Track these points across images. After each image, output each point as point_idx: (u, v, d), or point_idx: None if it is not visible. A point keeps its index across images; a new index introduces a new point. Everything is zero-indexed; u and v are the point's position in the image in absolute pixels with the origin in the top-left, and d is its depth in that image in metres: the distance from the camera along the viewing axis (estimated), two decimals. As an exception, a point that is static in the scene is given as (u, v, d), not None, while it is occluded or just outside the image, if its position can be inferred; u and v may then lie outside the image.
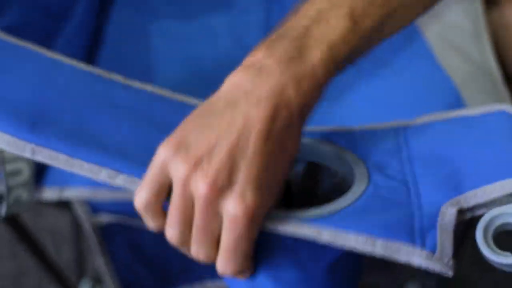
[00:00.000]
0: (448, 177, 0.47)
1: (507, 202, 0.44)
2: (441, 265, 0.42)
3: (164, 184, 0.42)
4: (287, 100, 0.43)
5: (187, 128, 0.42)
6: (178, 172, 0.41)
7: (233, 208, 0.40)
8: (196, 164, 0.40)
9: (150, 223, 0.44)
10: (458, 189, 0.45)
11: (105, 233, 0.75)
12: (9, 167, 0.63)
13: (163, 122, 0.51)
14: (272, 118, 0.42)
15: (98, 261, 0.77)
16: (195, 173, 0.40)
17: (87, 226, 0.72)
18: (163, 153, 0.41)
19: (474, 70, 0.71)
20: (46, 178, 0.68)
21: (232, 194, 0.40)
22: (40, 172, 0.68)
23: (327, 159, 0.53)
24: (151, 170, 0.42)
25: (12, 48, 0.55)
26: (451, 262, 0.42)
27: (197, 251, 0.44)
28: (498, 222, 0.43)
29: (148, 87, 0.56)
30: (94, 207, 0.72)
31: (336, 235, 0.42)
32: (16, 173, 0.64)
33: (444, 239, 0.43)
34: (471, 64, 0.71)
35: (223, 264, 0.43)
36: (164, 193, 0.43)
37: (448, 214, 0.44)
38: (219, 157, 0.40)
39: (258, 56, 0.44)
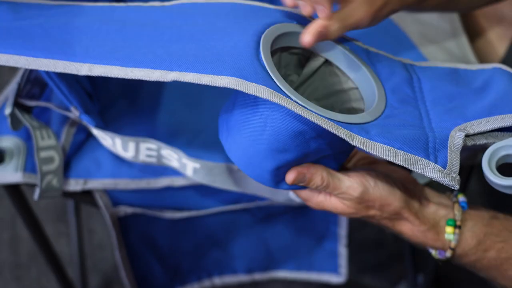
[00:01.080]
0: (454, 108, 0.54)
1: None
2: (449, 179, 0.49)
3: None
4: None
5: None
6: None
7: None
8: None
9: None
10: (464, 118, 0.53)
11: (122, 225, 0.81)
12: (43, 154, 0.70)
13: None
14: None
15: (116, 255, 0.83)
16: None
17: (107, 217, 0.77)
18: None
19: (454, 60, 0.79)
20: (71, 171, 0.75)
21: None
22: (66, 165, 0.74)
23: (350, 68, 0.59)
24: None
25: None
26: (458, 177, 0.50)
27: None
28: (501, 153, 0.51)
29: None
30: (114, 200, 0.78)
31: (366, 143, 0.50)
32: (48, 160, 0.70)
33: (453, 158, 0.50)
34: (451, 57, 0.80)
35: None
36: None
37: (457, 137, 0.51)
38: None
39: None
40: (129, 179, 0.75)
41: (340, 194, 0.55)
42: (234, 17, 0.56)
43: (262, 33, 0.54)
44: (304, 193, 0.57)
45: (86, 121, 0.67)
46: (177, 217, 0.80)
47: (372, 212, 0.56)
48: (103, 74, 0.52)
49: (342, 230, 0.87)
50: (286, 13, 0.58)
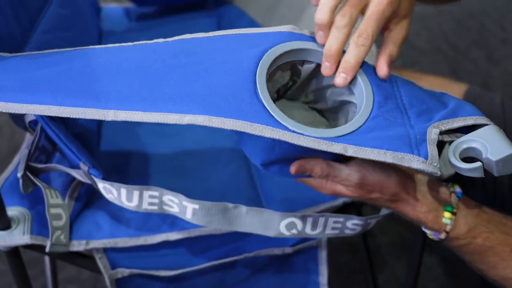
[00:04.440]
0: (426, 111, 0.64)
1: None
2: (432, 167, 0.60)
3: None
4: None
5: None
6: None
7: None
8: None
9: None
10: (434, 120, 0.64)
11: (119, 287, 0.86)
12: (52, 211, 0.77)
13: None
14: None
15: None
16: None
17: (106, 279, 0.83)
18: None
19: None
20: (73, 234, 0.81)
21: None
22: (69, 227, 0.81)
23: None
24: None
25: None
26: (438, 165, 0.60)
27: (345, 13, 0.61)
28: (463, 146, 0.62)
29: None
30: (112, 263, 0.84)
31: (358, 150, 0.59)
32: (57, 216, 0.77)
33: (432, 150, 0.61)
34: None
35: (365, 27, 0.61)
36: None
37: (433, 133, 0.62)
38: None
39: None
40: (128, 237, 0.82)
41: (342, 181, 0.64)
42: (231, 49, 0.65)
43: (258, 63, 0.62)
44: (316, 182, 0.66)
45: (94, 174, 0.75)
46: (172, 275, 0.85)
47: (374, 195, 0.65)
48: (127, 119, 0.60)
49: (323, 279, 0.94)
50: (280, 34, 0.66)
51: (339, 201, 0.87)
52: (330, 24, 0.62)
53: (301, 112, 0.73)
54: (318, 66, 0.67)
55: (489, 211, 0.68)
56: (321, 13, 0.62)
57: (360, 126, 0.62)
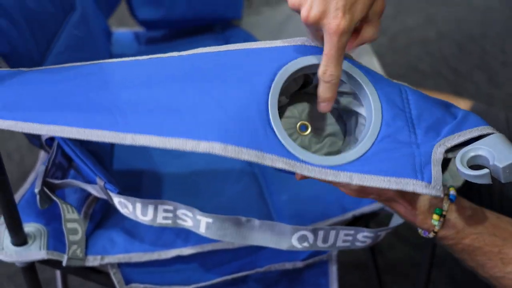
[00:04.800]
0: (434, 125, 0.66)
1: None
2: (435, 191, 0.62)
3: None
4: None
5: None
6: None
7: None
8: None
9: None
10: (441, 135, 0.65)
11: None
12: (69, 225, 0.78)
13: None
14: None
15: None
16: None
17: (120, 294, 0.84)
18: None
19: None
20: (88, 249, 0.83)
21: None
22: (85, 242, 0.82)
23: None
24: None
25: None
26: (441, 188, 0.62)
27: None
28: (470, 155, 0.63)
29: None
30: (126, 279, 0.85)
31: (363, 178, 0.62)
32: (73, 231, 0.79)
33: (436, 172, 0.63)
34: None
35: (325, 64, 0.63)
36: None
37: (438, 153, 0.64)
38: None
39: None
40: (142, 252, 0.84)
41: (343, 187, 0.68)
42: (245, 67, 0.66)
43: (271, 85, 0.64)
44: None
45: (110, 189, 0.77)
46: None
47: (372, 196, 0.69)
48: (144, 144, 0.61)
49: (334, 293, 0.95)
50: (293, 48, 0.68)
51: (348, 215, 0.89)
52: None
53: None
54: None
55: (481, 213, 0.71)
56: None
57: (367, 151, 0.64)
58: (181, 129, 0.62)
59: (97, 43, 1.05)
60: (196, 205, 0.87)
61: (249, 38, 1.24)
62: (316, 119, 0.72)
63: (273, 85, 0.65)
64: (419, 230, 0.71)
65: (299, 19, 0.65)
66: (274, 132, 0.63)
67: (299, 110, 0.72)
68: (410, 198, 0.69)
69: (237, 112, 0.63)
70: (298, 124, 0.71)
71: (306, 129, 0.72)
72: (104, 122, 0.63)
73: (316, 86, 0.70)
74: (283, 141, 0.63)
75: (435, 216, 0.68)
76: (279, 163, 0.62)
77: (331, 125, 0.73)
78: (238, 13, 1.27)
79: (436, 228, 0.69)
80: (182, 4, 1.22)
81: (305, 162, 0.63)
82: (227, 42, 1.25)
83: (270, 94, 0.64)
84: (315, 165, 0.63)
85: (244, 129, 0.62)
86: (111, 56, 1.19)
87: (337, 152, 0.71)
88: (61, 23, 0.88)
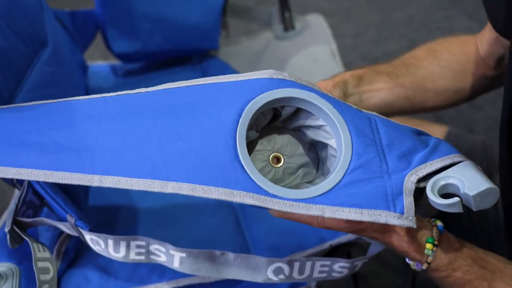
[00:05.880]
0: (405, 154, 0.65)
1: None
2: (408, 221, 0.61)
3: None
4: None
5: None
6: None
7: None
8: None
9: None
10: (412, 164, 0.65)
11: None
12: (40, 264, 0.77)
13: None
14: None
15: None
16: None
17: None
18: None
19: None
20: (62, 287, 0.81)
21: None
22: (57, 284, 0.81)
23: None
24: None
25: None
26: (414, 219, 0.62)
27: None
28: (440, 183, 0.63)
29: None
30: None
31: (335, 211, 0.61)
32: (44, 270, 0.77)
33: (409, 202, 0.62)
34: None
35: None
36: None
37: (410, 183, 0.63)
38: None
39: None
40: (118, 290, 0.82)
41: (332, 218, 0.65)
42: (212, 103, 0.65)
43: (238, 120, 0.63)
44: (304, 219, 0.66)
45: (81, 226, 0.76)
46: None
47: (364, 225, 0.66)
48: (112, 186, 0.62)
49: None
50: (261, 82, 0.67)
51: (325, 245, 0.88)
52: None
53: (285, 140, 0.73)
54: (298, 109, 0.68)
55: (469, 246, 0.70)
56: None
57: (338, 182, 0.63)
58: (148, 170, 0.62)
59: (71, 78, 1.05)
60: (174, 236, 0.86)
61: (226, 68, 1.24)
62: (288, 151, 0.72)
63: (240, 120, 0.64)
64: (411, 263, 0.69)
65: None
66: (243, 167, 0.62)
67: (271, 143, 0.71)
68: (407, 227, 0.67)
69: (205, 149, 0.62)
70: (271, 156, 0.71)
71: (279, 161, 0.71)
72: (70, 163, 0.63)
73: (285, 120, 0.70)
74: (252, 176, 0.62)
75: (429, 245, 0.67)
76: (249, 199, 0.61)
77: (303, 156, 0.72)
78: (215, 44, 1.27)
79: (430, 259, 0.67)
80: (158, 36, 1.22)
81: (276, 196, 0.62)
82: (204, 72, 1.26)
83: (238, 129, 0.64)
84: (285, 199, 0.62)
85: (212, 166, 0.62)
86: (87, 90, 1.19)
87: (312, 182, 0.71)
88: (32, 60, 0.87)
